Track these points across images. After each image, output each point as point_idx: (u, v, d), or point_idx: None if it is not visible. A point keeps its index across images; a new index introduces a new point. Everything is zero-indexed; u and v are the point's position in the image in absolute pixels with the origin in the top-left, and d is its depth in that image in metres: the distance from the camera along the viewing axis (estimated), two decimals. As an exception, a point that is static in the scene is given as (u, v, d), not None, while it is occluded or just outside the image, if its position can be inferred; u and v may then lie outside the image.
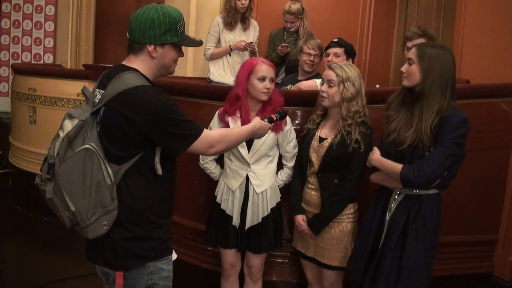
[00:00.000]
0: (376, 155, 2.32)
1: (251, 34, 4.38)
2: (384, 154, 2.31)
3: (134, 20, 1.80)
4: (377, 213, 2.36)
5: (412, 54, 2.21)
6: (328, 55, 3.40)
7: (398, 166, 2.19)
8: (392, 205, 2.29)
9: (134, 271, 1.84)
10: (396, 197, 2.29)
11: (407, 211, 2.24)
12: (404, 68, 2.24)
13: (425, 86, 2.14)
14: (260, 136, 2.18)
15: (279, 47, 4.35)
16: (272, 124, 2.26)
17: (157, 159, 1.80)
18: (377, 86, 4.22)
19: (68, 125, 1.73)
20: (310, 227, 2.50)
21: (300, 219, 2.56)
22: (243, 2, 4.20)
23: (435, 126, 2.12)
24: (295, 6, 4.35)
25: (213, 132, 1.93)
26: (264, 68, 2.51)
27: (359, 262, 2.40)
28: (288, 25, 4.44)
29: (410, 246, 2.20)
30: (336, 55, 3.37)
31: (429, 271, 2.27)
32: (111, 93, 1.73)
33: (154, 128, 1.73)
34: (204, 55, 4.40)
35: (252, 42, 4.21)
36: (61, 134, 1.73)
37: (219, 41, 4.35)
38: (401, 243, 2.23)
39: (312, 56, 3.53)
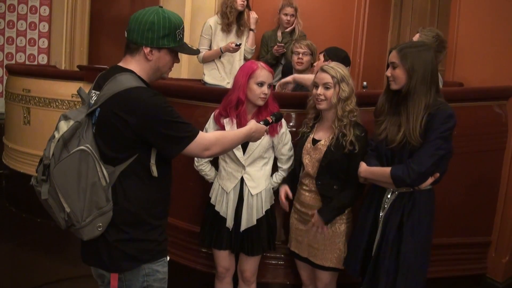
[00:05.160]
0: (362, 167, 2.35)
1: (244, 38, 4.39)
2: (375, 152, 2.35)
3: (134, 20, 1.81)
4: (371, 211, 2.38)
5: (394, 57, 2.23)
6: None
7: (387, 169, 2.23)
8: (386, 204, 2.31)
9: (129, 273, 1.83)
10: (389, 196, 2.32)
11: (402, 208, 2.27)
12: (389, 72, 2.26)
13: (411, 85, 2.17)
14: (256, 139, 2.17)
15: (275, 47, 4.35)
16: (268, 126, 2.26)
17: (152, 161, 1.80)
18: (365, 83, 4.23)
19: (64, 126, 1.73)
20: (320, 214, 2.44)
21: (283, 190, 2.60)
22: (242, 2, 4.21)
23: (424, 123, 2.15)
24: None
25: (209, 135, 1.93)
26: (264, 74, 2.51)
27: (355, 260, 2.42)
28: (286, 20, 4.44)
29: (406, 242, 2.23)
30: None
31: (425, 267, 2.30)
32: (107, 94, 1.73)
33: (149, 129, 1.73)
34: (197, 57, 4.39)
35: (240, 44, 4.20)
36: (57, 135, 1.72)
37: (211, 43, 4.34)
38: (397, 240, 2.26)
39: (300, 54, 3.56)
